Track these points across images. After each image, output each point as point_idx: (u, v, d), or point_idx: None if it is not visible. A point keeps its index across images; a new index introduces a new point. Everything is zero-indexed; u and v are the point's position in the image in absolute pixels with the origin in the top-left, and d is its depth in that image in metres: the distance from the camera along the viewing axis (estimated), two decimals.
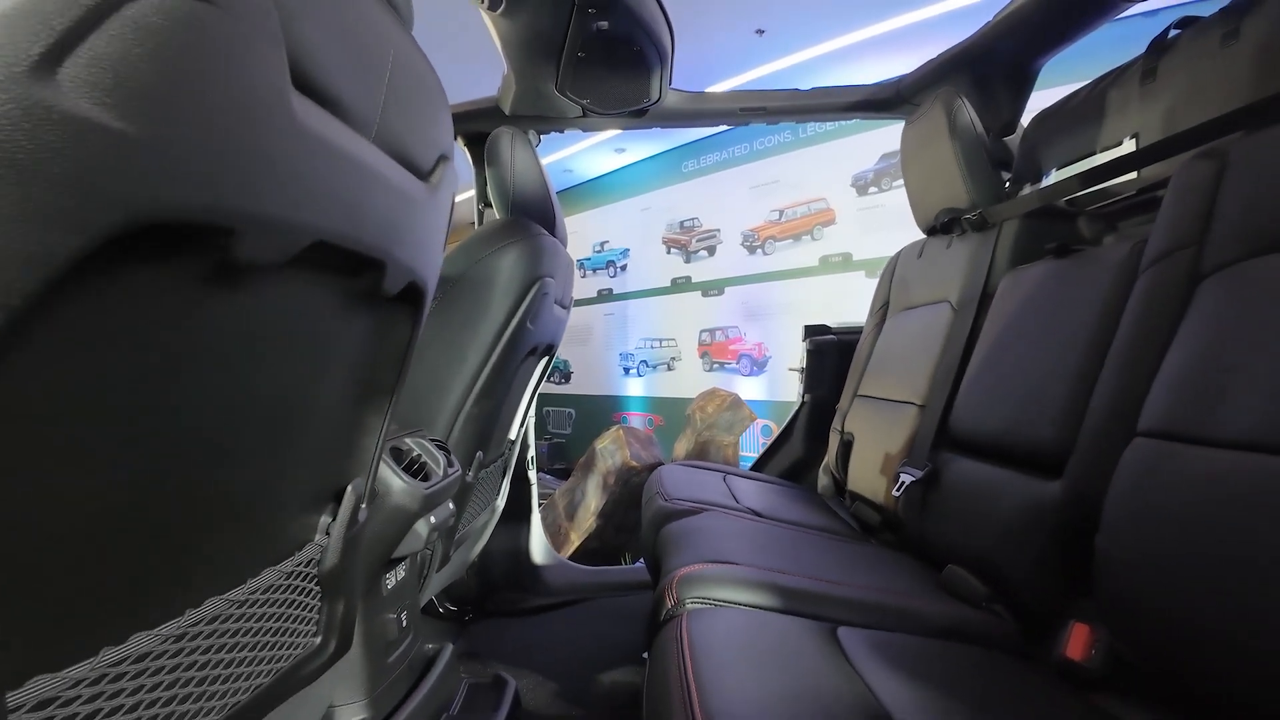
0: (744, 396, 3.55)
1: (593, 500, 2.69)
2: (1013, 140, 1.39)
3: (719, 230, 4.62)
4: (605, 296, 5.44)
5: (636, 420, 5.14)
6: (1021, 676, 0.62)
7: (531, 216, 1.21)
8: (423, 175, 0.55)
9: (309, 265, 0.40)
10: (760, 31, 3.52)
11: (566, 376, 5.71)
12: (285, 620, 0.55)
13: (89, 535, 0.33)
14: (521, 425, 1.48)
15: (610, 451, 2.75)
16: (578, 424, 5.56)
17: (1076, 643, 0.62)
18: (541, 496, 1.86)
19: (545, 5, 1.09)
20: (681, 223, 4.84)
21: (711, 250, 4.67)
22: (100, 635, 0.36)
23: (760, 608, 0.67)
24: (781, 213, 4.25)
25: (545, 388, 1.54)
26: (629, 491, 2.51)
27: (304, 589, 0.58)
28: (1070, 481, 0.70)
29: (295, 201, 0.35)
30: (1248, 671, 0.48)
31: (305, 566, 0.57)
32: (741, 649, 0.57)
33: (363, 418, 0.60)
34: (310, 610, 0.60)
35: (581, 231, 5.50)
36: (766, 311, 4.34)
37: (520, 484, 1.64)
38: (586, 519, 2.66)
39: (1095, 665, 0.61)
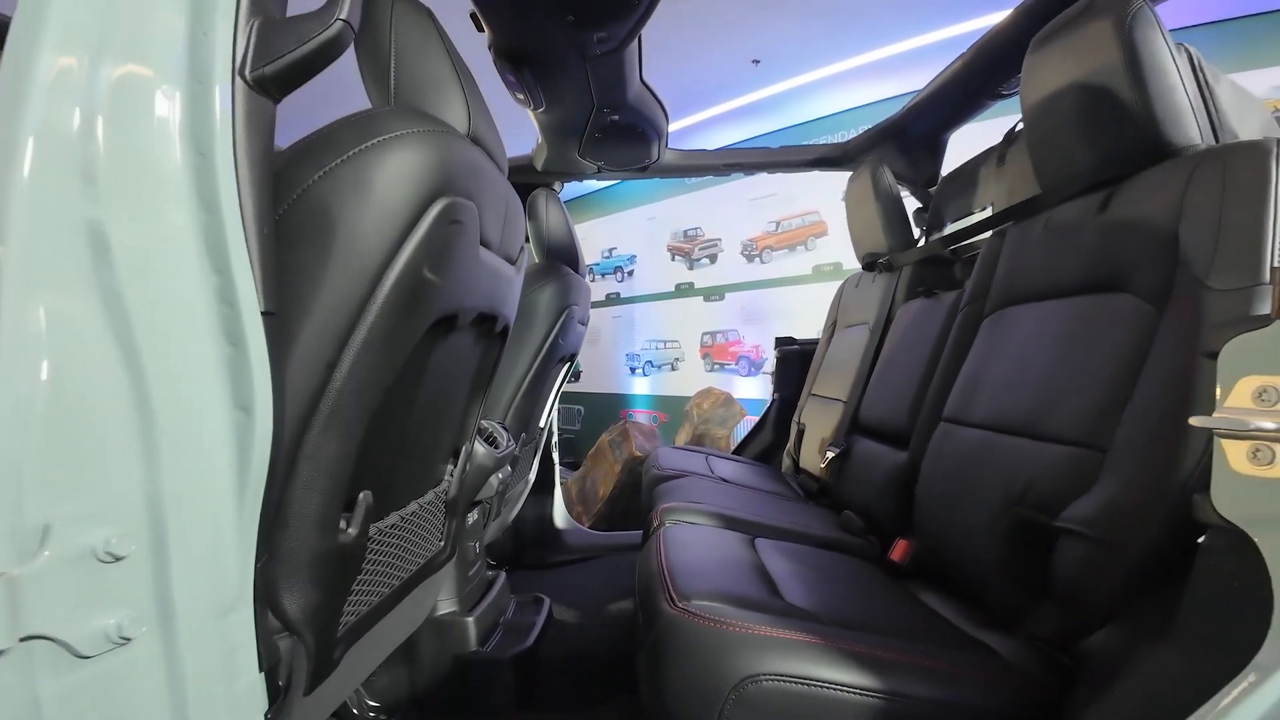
0: (742, 395, 3.90)
1: (601, 487, 3.06)
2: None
3: (720, 239, 4.86)
4: (613, 300, 5.69)
5: (641, 417, 5.34)
6: (863, 568, 1.02)
7: (561, 259, 1.63)
8: (513, 261, 0.96)
9: (469, 323, 0.81)
10: (756, 61, 3.84)
11: (576, 375, 5.92)
12: (430, 526, 0.96)
13: (387, 453, 0.74)
14: (548, 415, 1.89)
15: (618, 444, 3.13)
16: (586, 420, 5.67)
17: (897, 550, 1.03)
18: None
19: (572, 108, 1.49)
20: (685, 232, 5.07)
21: (713, 258, 4.92)
22: (386, 507, 0.77)
23: (709, 525, 1.08)
24: (778, 224, 4.48)
25: None
26: (634, 480, 2.83)
27: (439, 508, 0.99)
28: (910, 452, 1.10)
29: (477, 297, 0.76)
30: (965, 564, 0.88)
31: (441, 493, 0.98)
32: (693, 544, 0.98)
33: (471, 405, 1.01)
34: (439, 523, 1.00)
35: (591, 238, 5.62)
36: (764, 316, 4.57)
37: (546, 462, 2.05)
38: (596, 504, 3.04)
39: (906, 564, 1.01)
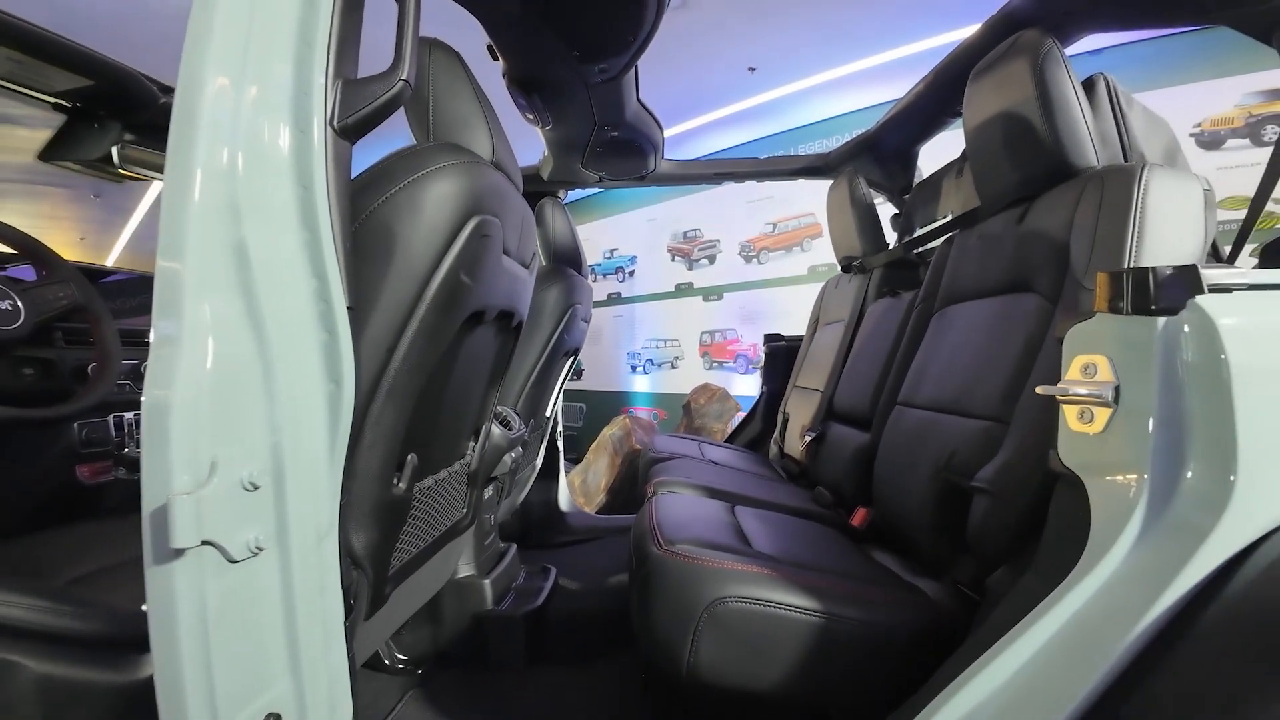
0: (740, 392, 4.04)
1: (603, 479, 3.23)
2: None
3: (719, 241, 4.99)
4: (614, 299, 5.82)
5: (642, 414, 5.47)
6: (826, 531, 1.18)
7: (565, 262, 1.79)
8: (527, 265, 1.12)
9: (493, 318, 0.97)
10: (752, 69, 3.98)
11: (579, 373, 5.99)
12: (455, 494, 1.13)
13: (428, 425, 0.90)
14: (554, 405, 2.05)
15: (618, 437, 3.29)
16: (588, 418, 5.81)
17: (857, 517, 1.19)
18: None
19: (576, 125, 1.65)
20: (685, 233, 5.21)
21: (712, 259, 5.05)
22: (426, 470, 0.93)
23: (695, 495, 1.24)
24: (774, 226, 4.61)
25: None
26: (634, 472, 2.97)
27: (462, 479, 1.15)
28: (872, 432, 1.26)
29: (500, 296, 0.92)
30: (906, 525, 1.04)
31: (464, 466, 1.14)
32: (680, 506, 1.14)
33: (490, 390, 1.18)
34: (463, 492, 1.17)
35: (593, 239, 5.76)
36: (761, 315, 4.69)
37: (551, 450, 2.22)
38: (597, 495, 3.20)
39: (864, 529, 1.17)
